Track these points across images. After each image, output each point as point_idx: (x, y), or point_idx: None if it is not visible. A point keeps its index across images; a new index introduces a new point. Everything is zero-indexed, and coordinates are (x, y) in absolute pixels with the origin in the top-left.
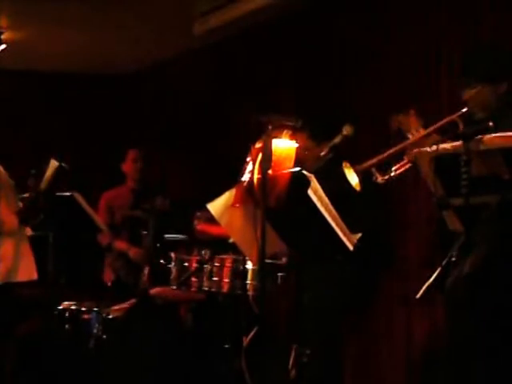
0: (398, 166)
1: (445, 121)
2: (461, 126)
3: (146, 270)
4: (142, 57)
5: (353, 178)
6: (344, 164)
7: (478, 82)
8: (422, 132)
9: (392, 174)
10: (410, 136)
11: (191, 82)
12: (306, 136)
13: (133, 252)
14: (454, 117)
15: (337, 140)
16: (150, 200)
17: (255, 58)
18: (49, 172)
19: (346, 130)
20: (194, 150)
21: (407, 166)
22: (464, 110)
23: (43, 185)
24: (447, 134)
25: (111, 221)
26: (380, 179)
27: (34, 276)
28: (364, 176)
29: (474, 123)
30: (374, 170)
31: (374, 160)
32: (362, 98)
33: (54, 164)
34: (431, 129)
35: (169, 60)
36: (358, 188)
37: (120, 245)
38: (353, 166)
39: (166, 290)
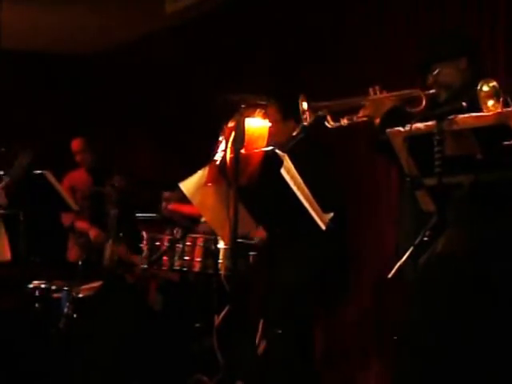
0: (350, 116)
1: (407, 91)
2: (423, 103)
3: (108, 250)
4: (112, 35)
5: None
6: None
7: (437, 63)
8: (383, 94)
9: (342, 122)
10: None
11: (163, 60)
12: (275, 109)
13: (93, 232)
14: (419, 91)
15: (309, 121)
16: (109, 179)
17: (227, 36)
18: (20, 163)
19: (321, 111)
20: (165, 130)
21: (359, 119)
22: (431, 91)
23: (15, 174)
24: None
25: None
26: (330, 124)
27: (8, 257)
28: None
29: (439, 105)
30: (326, 113)
31: (330, 103)
32: (337, 78)
33: (24, 157)
34: (392, 93)
35: (140, 39)
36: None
37: (81, 225)
38: (309, 102)
39: (138, 269)
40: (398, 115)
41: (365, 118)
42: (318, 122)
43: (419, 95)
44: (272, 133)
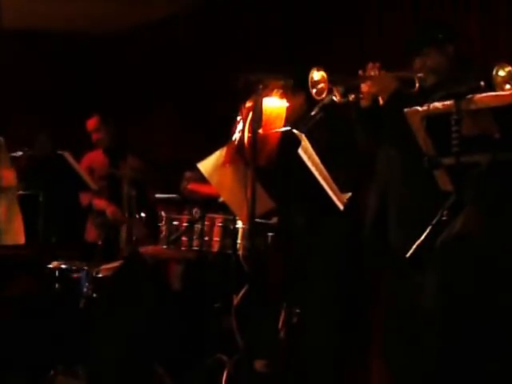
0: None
1: (405, 72)
2: (417, 85)
3: (124, 230)
4: (132, 15)
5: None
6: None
7: (425, 47)
8: (385, 73)
9: (350, 97)
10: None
11: (182, 41)
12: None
13: (110, 210)
14: (413, 73)
15: (327, 100)
16: (124, 159)
17: (241, 16)
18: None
19: (337, 89)
20: (185, 110)
21: (362, 95)
22: (419, 74)
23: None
24: None
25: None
26: (337, 99)
27: (22, 240)
28: None
29: (426, 90)
30: (335, 89)
31: (340, 78)
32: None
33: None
34: (392, 73)
35: (160, 19)
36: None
37: (99, 203)
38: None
39: (156, 248)
40: (401, 96)
41: (370, 95)
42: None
43: (413, 77)
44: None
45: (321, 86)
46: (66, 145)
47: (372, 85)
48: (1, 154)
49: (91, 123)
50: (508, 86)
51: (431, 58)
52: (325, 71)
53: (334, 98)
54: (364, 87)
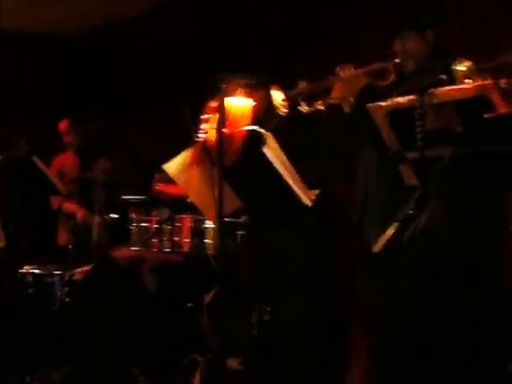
0: (324, 99)
1: (376, 65)
2: (392, 76)
3: (95, 233)
4: (108, 13)
5: (277, 97)
6: (273, 87)
7: (406, 30)
8: (353, 71)
9: (317, 106)
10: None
11: (154, 40)
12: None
13: (80, 213)
14: (386, 64)
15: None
16: (95, 161)
17: (221, 15)
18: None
19: (302, 84)
20: (157, 111)
21: (333, 101)
22: (396, 60)
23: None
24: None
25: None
26: (304, 108)
27: (2, 243)
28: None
29: (406, 77)
30: (299, 98)
31: (302, 89)
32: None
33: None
34: (361, 70)
35: (131, 19)
36: (282, 109)
37: (69, 206)
38: (283, 90)
39: (128, 250)
40: (371, 92)
41: (339, 100)
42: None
43: (387, 68)
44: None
45: (283, 104)
46: (49, 147)
47: (340, 87)
48: None
49: (62, 126)
50: (468, 81)
51: (411, 42)
52: (282, 89)
53: (301, 109)
54: (334, 92)
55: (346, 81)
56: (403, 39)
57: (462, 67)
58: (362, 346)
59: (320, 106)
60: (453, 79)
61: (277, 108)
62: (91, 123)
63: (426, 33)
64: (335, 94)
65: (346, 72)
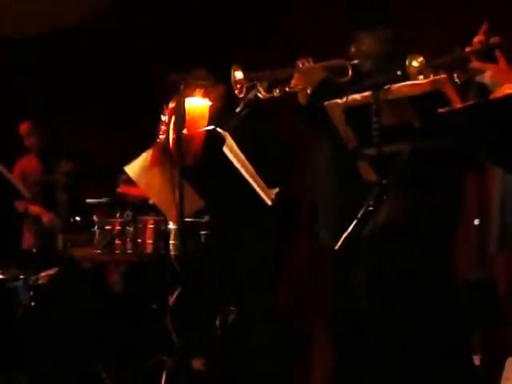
0: (282, 87)
1: (335, 62)
2: (350, 72)
3: (60, 237)
4: (59, 16)
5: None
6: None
7: (360, 32)
8: (312, 64)
9: (275, 92)
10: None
11: (112, 41)
12: (204, 73)
13: (46, 217)
14: (344, 62)
15: (251, 95)
16: (57, 164)
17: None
18: None
19: (261, 86)
20: (116, 112)
21: (291, 90)
22: (355, 61)
23: None
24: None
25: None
26: (263, 95)
27: None
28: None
29: (363, 76)
30: (258, 84)
31: (264, 73)
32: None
33: None
34: (319, 64)
35: (86, 19)
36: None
37: (34, 209)
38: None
39: (91, 253)
40: (328, 86)
41: (297, 89)
42: (256, 95)
43: (345, 65)
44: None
45: (242, 84)
46: (7, 151)
47: (299, 77)
48: None
49: (23, 128)
50: (421, 77)
51: (364, 43)
52: (243, 69)
53: (259, 94)
54: (292, 81)
55: (304, 72)
56: (356, 41)
57: (415, 63)
58: (325, 345)
59: (277, 93)
60: (407, 76)
61: (234, 88)
62: (51, 124)
63: (377, 31)
64: (294, 83)
65: (305, 64)
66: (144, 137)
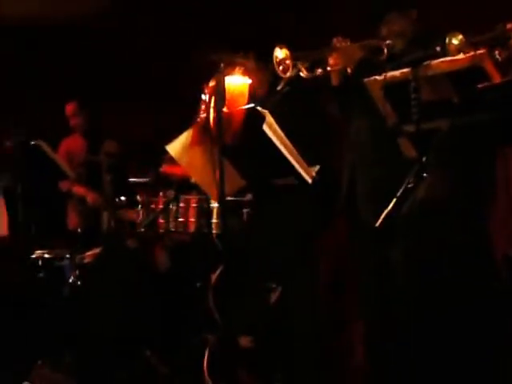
0: (323, 66)
1: (371, 41)
2: (385, 52)
3: (105, 215)
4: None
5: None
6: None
7: (387, 13)
8: (348, 44)
9: (317, 72)
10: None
11: (145, 23)
12: (253, 59)
13: (90, 197)
14: (380, 42)
15: (292, 74)
16: (101, 144)
17: None
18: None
19: (303, 65)
20: (156, 93)
21: (332, 69)
22: (388, 41)
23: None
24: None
25: (71, 168)
26: (304, 74)
27: (5, 231)
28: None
29: (395, 56)
30: (299, 64)
31: (307, 53)
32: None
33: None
34: (356, 44)
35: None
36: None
37: (79, 190)
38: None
39: (135, 231)
40: (368, 64)
41: (337, 68)
42: (298, 73)
43: (380, 45)
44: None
45: (285, 63)
46: (43, 132)
47: (338, 57)
48: None
49: (69, 108)
50: (461, 55)
51: (395, 24)
52: (288, 48)
53: (301, 73)
54: (331, 61)
55: (343, 52)
56: (387, 23)
57: (455, 41)
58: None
59: (319, 72)
60: (446, 53)
61: (277, 67)
62: (96, 106)
63: (407, 10)
64: (333, 63)
65: (341, 44)
66: (186, 116)
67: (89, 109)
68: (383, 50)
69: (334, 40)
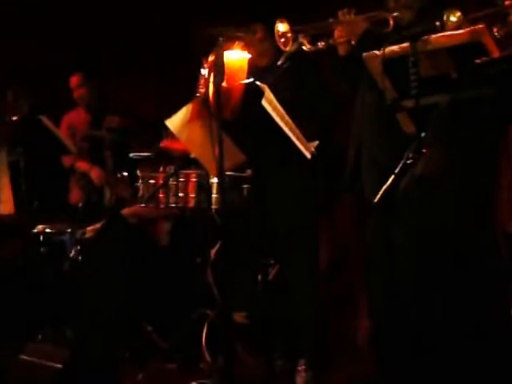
0: (326, 39)
1: (376, 13)
2: (391, 23)
3: (107, 192)
4: None
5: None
6: (279, 19)
7: None
8: (353, 17)
9: (320, 45)
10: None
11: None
12: (261, 27)
13: (94, 172)
14: (386, 14)
15: (293, 48)
16: (105, 119)
17: None
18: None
19: (301, 37)
20: (156, 67)
21: (335, 42)
22: (395, 13)
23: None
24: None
25: (73, 142)
26: (307, 47)
27: (11, 209)
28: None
29: (403, 28)
30: (301, 37)
31: (308, 26)
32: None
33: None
34: (361, 16)
35: None
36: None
37: (82, 165)
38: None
39: (136, 208)
40: (372, 37)
41: (341, 40)
42: (300, 47)
43: (386, 17)
44: (259, 53)
45: (286, 36)
46: (47, 105)
47: (342, 29)
48: None
49: (74, 80)
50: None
51: None
52: (289, 22)
53: (303, 47)
54: (336, 33)
55: (347, 24)
56: None
57: (453, 18)
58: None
59: (322, 45)
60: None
61: (278, 41)
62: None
63: None
64: (337, 35)
65: (346, 16)
66: (186, 90)
67: (94, 82)
68: (389, 22)
69: (339, 12)
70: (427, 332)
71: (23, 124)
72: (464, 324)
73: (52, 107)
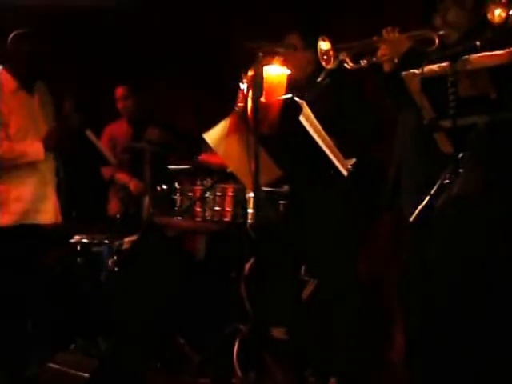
0: (369, 57)
1: (421, 32)
2: (436, 42)
3: (147, 202)
4: None
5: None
6: (321, 37)
7: (443, 3)
8: (397, 35)
9: (362, 63)
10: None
11: (189, 10)
12: (297, 36)
13: (133, 184)
14: (429, 31)
15: (334, 66)
16: (144, 131)
17: None
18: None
19: (342, 54)
20: (197, 80)
21: (378, 60)
22: (441, 32)
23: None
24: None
25: (113, 154)
26: (350, 65)
27: (58, 219)
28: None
29: (449, 47)
30: (345, 56)
31: (351, 44)
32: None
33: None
34: (405, 34)
35: None
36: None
37: (122, 177)
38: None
39: (173, 219)
40: (415, 55)
41: (384, 59)
42: (341, 65)
43: (431, 36)
44: (292, 63)
45: (329, 54)
46: (91, 115)
47: (385, 47)
48: (48, 116)
49: (120, 91)
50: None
51: (450, 13)
52: (330, 40)
53: (346, 64)
54: (379, 51)
55: (391, 42)
56: (441, 12)
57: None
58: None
59: (364, 63)
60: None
61: (321, 59)
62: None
63: (464, 1)
64: (381, 53)
65: (390, 34)
66: (225, 105)
67: (139, 94)
68: (434, 40)
69: (383, 30)
70: (463, 349)
71: (71, 135)
72: (500, 341)
73: (94, 118)
